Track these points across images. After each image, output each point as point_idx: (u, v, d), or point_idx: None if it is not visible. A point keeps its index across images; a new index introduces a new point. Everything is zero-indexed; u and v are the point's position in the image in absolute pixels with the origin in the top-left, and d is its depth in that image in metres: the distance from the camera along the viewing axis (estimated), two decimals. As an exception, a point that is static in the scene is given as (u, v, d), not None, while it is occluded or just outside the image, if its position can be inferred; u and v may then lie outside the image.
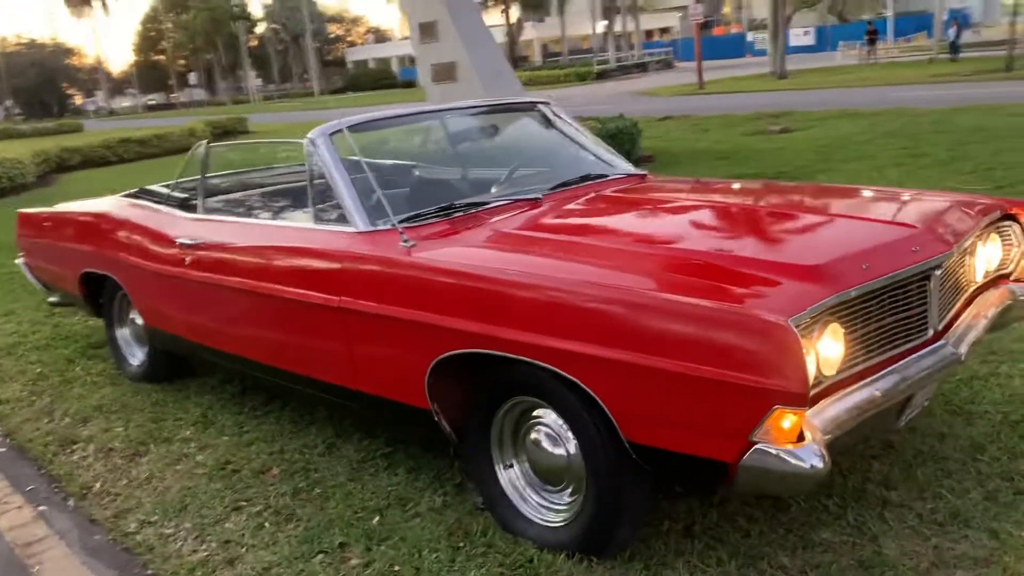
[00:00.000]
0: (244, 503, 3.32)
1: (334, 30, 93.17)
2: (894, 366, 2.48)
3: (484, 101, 4.62)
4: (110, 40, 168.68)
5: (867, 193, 3.59)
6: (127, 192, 4.94)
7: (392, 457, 3.55)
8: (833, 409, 2.27)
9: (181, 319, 4.11)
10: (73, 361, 5.29)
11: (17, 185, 16.08)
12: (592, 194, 3.54)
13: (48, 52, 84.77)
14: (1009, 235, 3.21)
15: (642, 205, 3.41)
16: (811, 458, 2.11)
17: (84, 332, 5.86)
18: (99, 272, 4.72)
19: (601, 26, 62.31)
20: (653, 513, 2.84)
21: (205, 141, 4.29)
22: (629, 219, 3.27)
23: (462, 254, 2.91)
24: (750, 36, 55.49)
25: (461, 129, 4.33)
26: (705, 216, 3.17)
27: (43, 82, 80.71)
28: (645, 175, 3.94)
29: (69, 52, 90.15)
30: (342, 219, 3.28)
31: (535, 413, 2.81)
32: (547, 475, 2.83)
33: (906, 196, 3.31)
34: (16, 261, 5.79)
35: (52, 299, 5.65)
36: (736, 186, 3.95)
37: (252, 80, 79.17)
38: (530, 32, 71.49)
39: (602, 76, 44.98)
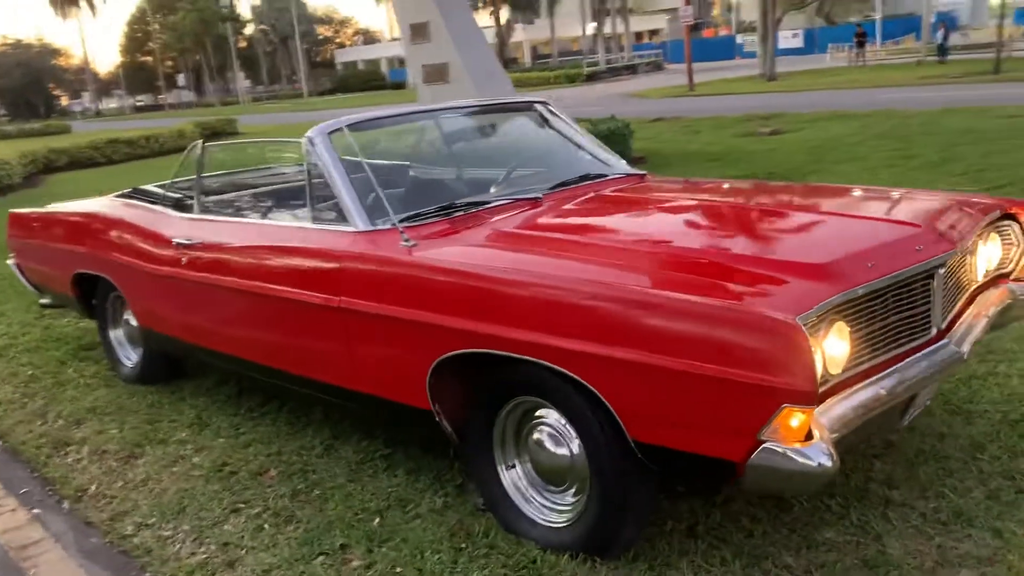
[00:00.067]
0: (242, 505, 3.29)
1: (323, 31, 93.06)
2: (899, 364, 2.48)
3: (482, 100, 4.61)
4: (97, 41, 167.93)
5: (869, 193, 3.59)
6: (121, 192, 4.90)
7: (391, 458, 3.53)
8: (840, 408, 2.27)
9: (177, 320, 4.08)
10: (65, 363, 5.24)
11: (4, 186, 15.97)
12: (592, 194, 3.53)
13: (34, 53, 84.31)
14: (1009, 234, 3.21)
15: (644, 204, 3.40)
16: (820, 457, 2.10)
17: (75, 334, 5.81)
18: (92, 273, 4.68)
19: (591, 28, 62.39)
20: (656, 513, 2.83)
21: (201, 141, 4.26)
22: (632, 218, 3.26)
23: (464, 253, 2.89)
24: (739, 38, 55.68)
25: (459, 128, 4.31)
26: (708, 215, 3.16)
27: (29, 83, 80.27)
28: (644, 175, 3.93)
29: (56, 53, 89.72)
30: (341, 218, 3.26)
31: (537, 413, 2.79)
32: (550, 475, 2.82)
33: (908, 195, 3.31)
34: (7, 262, 5.73)
35: (43, 301, 5.60)
36: (737, 186, 3.95)
37: (241, 81, 78.92)
38: (520, 34, 71.52)
39: (592, 78, 45.05)
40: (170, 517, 3.24)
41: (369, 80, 70.58)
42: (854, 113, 15.65)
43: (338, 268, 3.12)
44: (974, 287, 3.02)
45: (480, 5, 61.59)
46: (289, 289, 3.29)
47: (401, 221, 3.07)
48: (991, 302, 3.02)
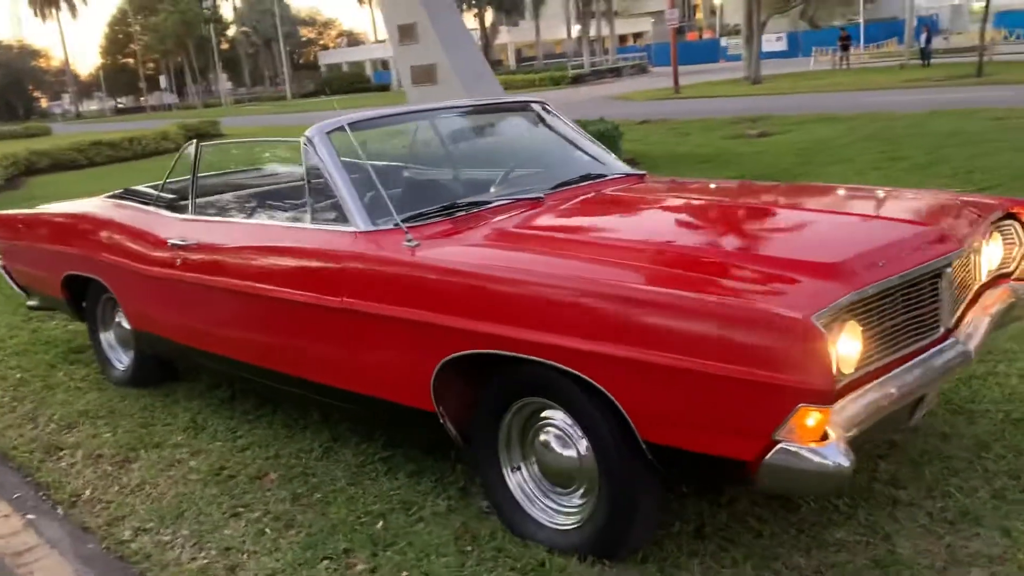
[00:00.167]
0: (242, 509, 3.24)
1: (306, 33, 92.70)
2: (909, 363, 2.48)
3: (480, 100, 4.58)
4: (77, 42, 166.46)
5: (873, 193, 3.58)
6: (112, 193, 4.83)
7: (391, 461, 3.49)
8: (853, 407, 2.26)
9: (172, 322, 4.02)
10: (55, 366, 5.17)
11: (-15, 188, 15.79)
12: (594, 193, 3.50)
13: (14, 54, 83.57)
14: (1011, 234, 3.22)
15: (648, 204, 3.38)
16: (836, 456, 2.09)
17: (64, 337, 5.73)
18: (83, 275, 4.62)
19: (576, 31, 62.50)
20: (663, 514, 2.81)
21: (195, 140, 4.21)
22: (637, 218, 3.24)
23: (468, 253, 2.86)
24: (724, 41, 55.93)
25: (458, 128, 4.28)
26: (714, 215, 3.15)
27: (8, 84, 79.49)
28: (644, 175, 3.91)
29: (35, 54, 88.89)
30: (341, 219, 3.22)
31: (544, 414, 2.76)
32: (557, 477, 2.79)
33: (912, 195, 3.32)
34: (-6, 264, 5.64)
35: (31, 303, 5.52)
36: (740, 185, 3.94)
37: (223, 83, 78.48)
38: (504, 36, 71.55)
39: (577, 80, 45.10)
40: (168, 522, 3.19)
41: (353, 82, 70.31)
42: (840, 116, 15.73)
43: (340, 268, 3.08)
44: (977, 286, 3.02)
45: (465, 7, 61.55)
46: (289, 290, 3.25)
47: (403, 221, 3.03)
48: (994, 301, 3.03)
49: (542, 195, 3.37)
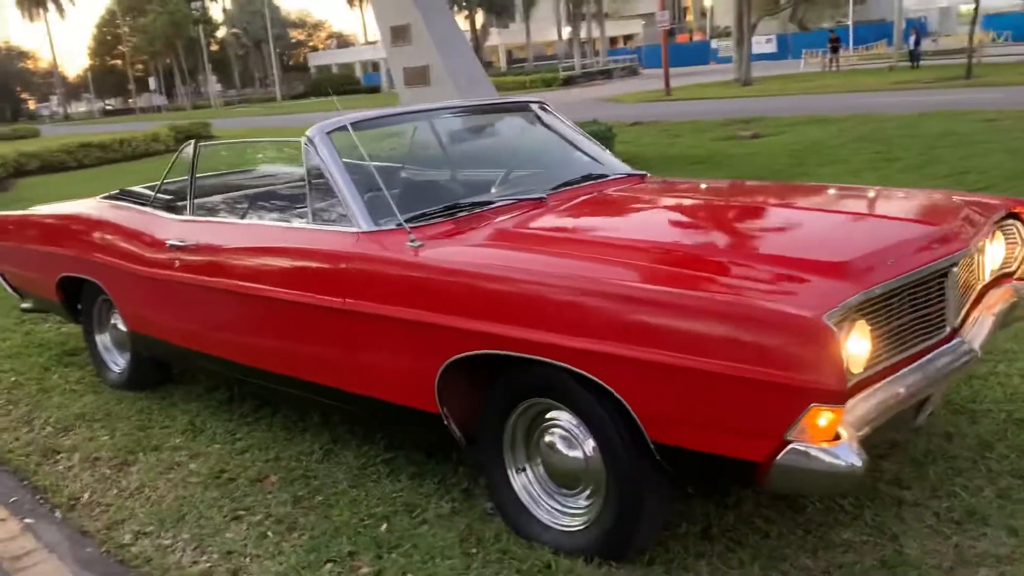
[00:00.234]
0: (243, 512, 3.21)
1: (296, 35, 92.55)
2: (917, 363, 2.47)
3: (480, 100, 4.57)
4: (65, 44, 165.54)
5: (878, 192, 3.58)
6: (108, 194, 4.79)
7: (393, 463, 3.47)
8: (863, 407, 2.25)
9: (170, 324, 3.99)
10: (49, 369, 5.12)
11: (-26, 190, 15.67)
12: (596, 193, 3.49)
13: (1, 56, 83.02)
14: (1013, 234, 3.22)
15: (652, 204, 3.37)
16: (849, 456, 2.08)
17: (58, 339, 5.69)
18: (79, 276, 4.57)
19: (566, 32, 62.56)
20: (670, 515, 2.80)
21: (194, 140, 4.18)
22: (641, 218, 3.23)
23: (472, 253, 2.84)
24: (714, 43, 56.06)
25: (459, 128, 4.27)
26: (720, 214, 3.14)
27: (-4, 86, 79.07)
28: (644, 175, 3.91)
29: (23, 55, 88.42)
30: (342, 219, 3.20)
31: (549, 415, 2.75)
32: (562, 478, 2.77)
33: (916, 195, 3.32)
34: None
35: (25, 305, 5.46)
36: (742, 185, 3.93)
37: (213, 85, 78.18)
38: (495, 38, 71.53)
39: (568, 82, 45.08)
40: (169, 525, 3.16)
41: (343, 84, 70.16)
42: (831, 117, 15.78)
43: (343, 269, 3.06)
44: (980, 286, 3.02)
45: (455, 9, 61.55)
46: (291, 291, 3.23)
47: (406, 221, 3.01)
48: (997, 301, 3.03)
49: (544, 195, 3.35)
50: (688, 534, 2.78)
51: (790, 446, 2.13)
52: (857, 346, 2.23)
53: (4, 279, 5.40)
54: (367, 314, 2.95)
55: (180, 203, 4.15)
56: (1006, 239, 3.21)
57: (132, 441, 3.94)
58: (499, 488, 2.89)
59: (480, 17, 66.00)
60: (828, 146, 12.01)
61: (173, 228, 3.90)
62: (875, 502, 2.88)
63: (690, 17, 74.50)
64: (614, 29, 69.85)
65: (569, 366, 2.46)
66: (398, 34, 11.72)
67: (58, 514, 3.37)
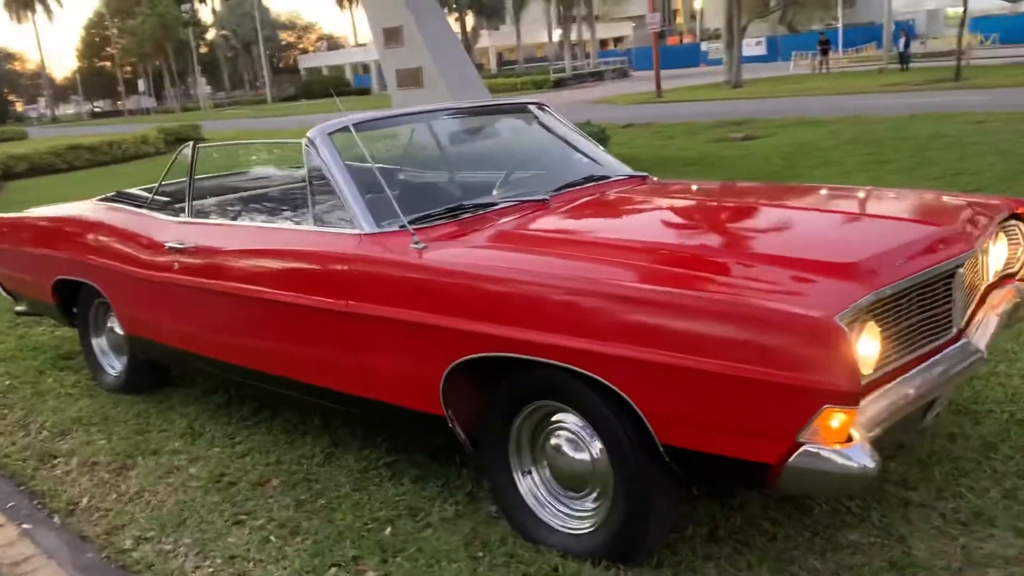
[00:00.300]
0: (245, 516, 3.18)
1: (286, 37, 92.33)
2: (925, 364, 2.47)
3: (480, 101, 4.55)
4: (53, 45, 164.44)
5: (881, 193, 3.58)
6: (104, 196, 4.75)
7: (395, 466, 3.45)
8: (874, 408, 2.25)
9: (169, 327, 3.95)
10: (44, 372, 5.07)
11: (-38, 193, 15.55)
12: (599, 194, 3.48)
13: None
14: (1015, 234, 3.23)
15: (656, 205, 3.36)
16: (862, 458, 2.08)
17: (52, 343, 5.64)
18: (75, 279, 4.53)
19: (557, 35, 62.59)
20: (677, 517, 2.78)
21: (192, 142, 4.15)
22: (646, 219, 3.22)
23: (476, 255, 2.83)
24: (704, 46, 56.20)
25: (460, 129, 4.25)
26: (725, 216, 3.13)
27: (-17, 88, 78.64)
28: (646, 176, 3.90)
29: (10, 57, 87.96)
30: (344, 221, 3.18)
31: (555, 418, 2.73)
32: (569, 481, 2.75)
33: (920, 196, 3.32)
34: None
35: (19, 308, 5.41)
36: (747, 187, 3.93)
37: (202, 87, 77.93)
38: (485, 40, 71.34)
39: (559, 84, 45.09)
40: (170, 530, 3.13)
41: (334, 86, 69.99)
42: (822, 119, 15.82)
43: (346, 271, 3.03)
44: (984, 287, 3.02)
45: (446, 11, 61.48)
46: (292, 293, 3.20)
47: (410, 223, 2.99)
48: (1001, 302, 3.03)
49: (547, 197, 3.34)
50: (695, 536, 2.77)
51: (802, 448, 2.12)
52: (868, 347, 2.22)
53: (-2, 282, 5.36)
54: (370, 316, 2.93)
55: (178, 205, 4.12)
56: (1009, 240, 3.22)
57: (130, 445, 3.90)
58: (505, 492, 2.87)
59: (470, 19, 65.92)
60: (820, 148, 12.04)
61: (172, 230, 3.87)
62: (882, 503, 2.87)
63: (680, 19, 74.64)
64: (604, 31, 69.95)
65: (578, 368, 2.44)
66: (391, 36, 11.70)
67: (57, 519, 3.34)
